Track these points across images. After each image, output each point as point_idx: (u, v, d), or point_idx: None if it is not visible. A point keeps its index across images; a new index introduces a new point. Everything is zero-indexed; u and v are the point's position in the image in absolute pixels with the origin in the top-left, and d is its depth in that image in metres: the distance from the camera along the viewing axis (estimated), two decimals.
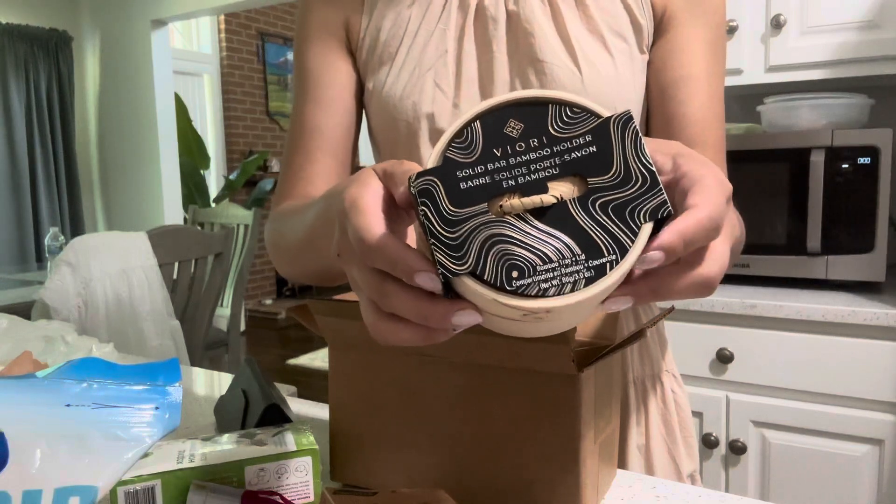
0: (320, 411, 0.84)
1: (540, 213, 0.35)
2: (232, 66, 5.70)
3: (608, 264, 0.34)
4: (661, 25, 0.71)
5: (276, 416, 0.67)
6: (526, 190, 0.35)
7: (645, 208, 0.34)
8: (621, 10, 0.69)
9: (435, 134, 0.71)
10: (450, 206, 0.35)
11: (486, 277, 0.34)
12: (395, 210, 0.39)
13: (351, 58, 0.78)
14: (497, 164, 0.36)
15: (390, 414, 0.59)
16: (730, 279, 1.69)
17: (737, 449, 1.52)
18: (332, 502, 0.49)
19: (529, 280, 0.34)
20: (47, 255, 2.75)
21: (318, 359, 4.47)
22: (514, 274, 0.34)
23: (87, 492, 0.49)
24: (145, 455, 0.54)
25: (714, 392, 1.56)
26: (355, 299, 0.61)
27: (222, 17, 5.60)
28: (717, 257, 0.36)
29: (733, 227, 0.50)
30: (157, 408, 0.57)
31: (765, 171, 1.59)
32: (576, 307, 0.34)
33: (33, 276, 2.91)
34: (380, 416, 0.60)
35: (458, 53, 0.71)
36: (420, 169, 0.37)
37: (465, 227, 0.35)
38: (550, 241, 0.34)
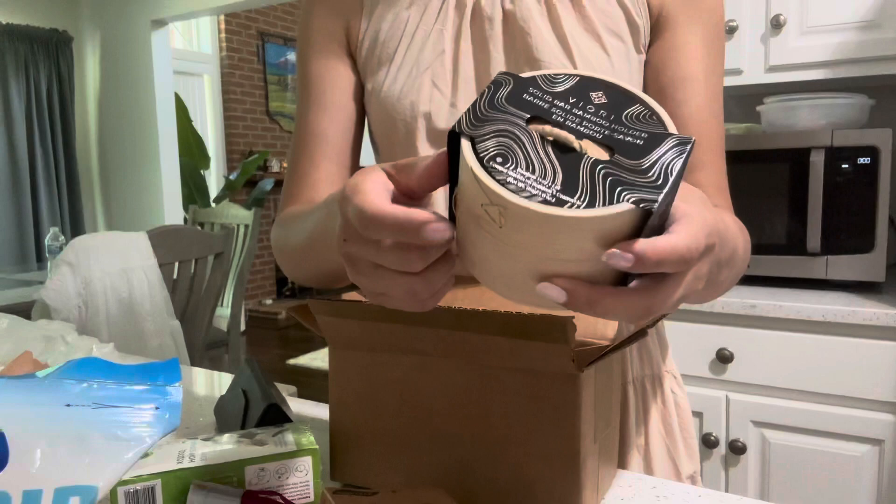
0: (320, 411, 0.84)
1: (559, 147, 0.37)
2: (232, 66, 5.70)
3: (570, 204, 0.35)
4: (657, 25, 0.71)
5: (276, 416, 0.67)
6: (565, 131, 0.38)
7: (636, 195, 0.35)
8: (617, 10, 0.69)
9: (433, 133, 0.71)
10: (503, 99, 0.39)
11: (477, 148, 0.37)
12: (399, 199, 0.40)
13: (352, 61, 0.78)
14: (560, 104, 0.39)
15: (390, 414, 0.59)
16: None
17: (737, 449, 1.52)
18: (332, 502, 0.49)
19: (504, 170, 0.36)
20: (47, 255, 2.75)
21: (318, 359, 4.47)
22: (499, 160, 0.37)
23: (87, 492, 0.49)
24: (145, 455, 0.54)
25: (714, 392, 1.56)
26: (356, 299, 0.61)
27: (222, 17, 5.60)
28: (666, 294, 0.36)
29: (718, 261, 0.49)
30: (157, 408, 0.57)
31: (765, 171, 1.59)
32: (520, 218, 0.35)
33: (33, 276, 2.91)
34: (380, 416, 0.60)
35: (455, 53, 0.71)
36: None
37: (499, 115, 0.39)
38: (546, 164, 0.37)
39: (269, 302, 5.96)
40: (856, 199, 1.50)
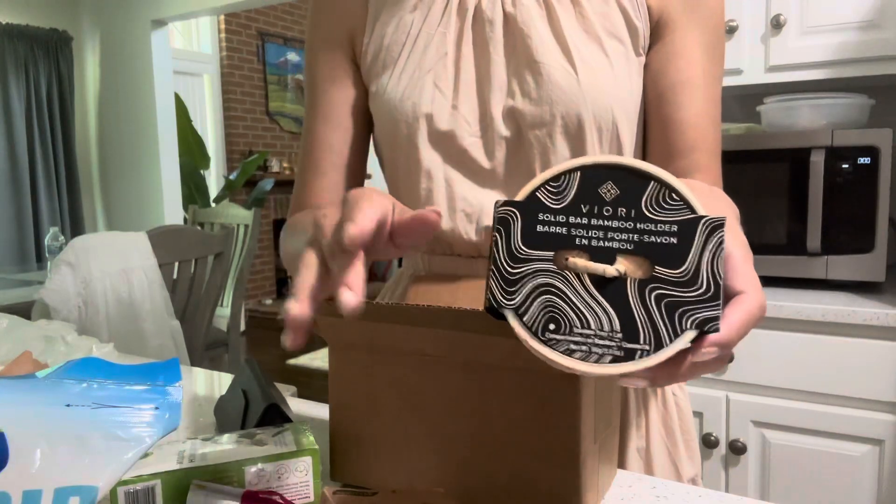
0: (320, 411, 0.84)
1: (598, 279, 0.36)
2: (232, 66, 5.70)
3: (639, 352, 0.35)
4: (657, 29, 0.71)
5: (276, 416, 0.67)
6: (594, 254, 0.36)
7: (696, 317, 0.34)
8: (616, 13, 0.69)
9: (434, 134, 0.71)
10: (520, 244, 0.37)
11: (525, 319, 0.36)
12: (385, 240, 0.43)
13: (357, 69, 0.79)
14: (578, 220, 0.37)
15: (390, 414, 0.59)
16: None
17: (737, 449, 1.52)
18: (332, 502, 0.49)
19: (562, 337, 0.36)
20: (47, 255, 2.75)
21: (318, 359, 4.47)
22: (552, 326, 0.36)
23: (87, 492, 0.49)
24: (145, 455, 0.54)
25: (714, 392, 1.56)
26: None
27: (222, 17, 5.60)
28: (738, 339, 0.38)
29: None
30: (157, 408, 0.57)
31: (765, 171, 1.59)
32: (595, 376, 0.36)
33: (33, 276, 2.91)
34: (380, 416, 0.60)
35: (456, 56, 0.72)
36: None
37: (526, 269, 0.37)
38: (596, 309, 0.36)
39: (269, 302, 5.96)
40: (856, 199, 1.50)
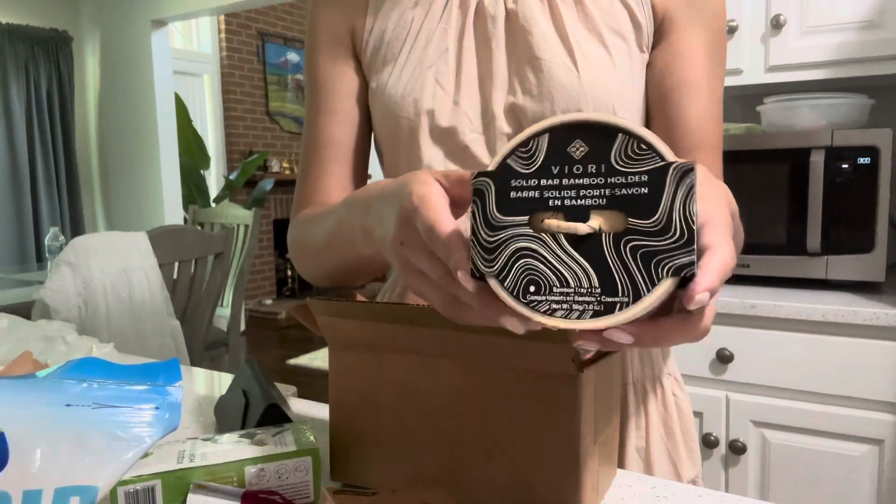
0: (320, 411, 0.84)
1: (574, 237, 0.36)
2: (232, 66, 5.70)
3: (619, 304, 0.35)
4: (661, 28, 0.71)
5: (276, 416, 0.67)
6: (569, 213, 0.37)
7: (671, 264, 0.35)
8: (620, 9, 0.70)
9: (435, 130, 0.71)
10: (495, 212, 0.38)
11: (506, 284, 0.37)
12: (453, 208, 0.43)
13: (358, 63, 0.79)
14: (550, 182, 0.37)
15: (390, 414, 0.59)
16: (730, 279, 1.69)
17: (737, 449, 1.52)
18: (332, 502, 0.49)
19: (543, 298, 0.36)
20: (47, 255, 2.75)
21: (318, 359, 4.47)
22: (532, 288, 0.37)
23: (87, 492, 0.49)
24: (145, 455, 0.54)
25: (714, 392, 1.56)
26: (355, 299, 0.61)
27: (222, 17, 5.60)
28: (712, 309, 0.38)
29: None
30: (157, 408, 0.57)
31: (765, 171, 1.59)
32: (577, 329, 0.36)
33: (33, 276, 2.91)
34: (380, 415, 0.60)
35: (458, 52, 0.72)
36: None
37: (503, 235, 0.37)
38: (573, 267, 0.36)
39: (269, 302, 5.96)
40: (856, 199, 1.50)
